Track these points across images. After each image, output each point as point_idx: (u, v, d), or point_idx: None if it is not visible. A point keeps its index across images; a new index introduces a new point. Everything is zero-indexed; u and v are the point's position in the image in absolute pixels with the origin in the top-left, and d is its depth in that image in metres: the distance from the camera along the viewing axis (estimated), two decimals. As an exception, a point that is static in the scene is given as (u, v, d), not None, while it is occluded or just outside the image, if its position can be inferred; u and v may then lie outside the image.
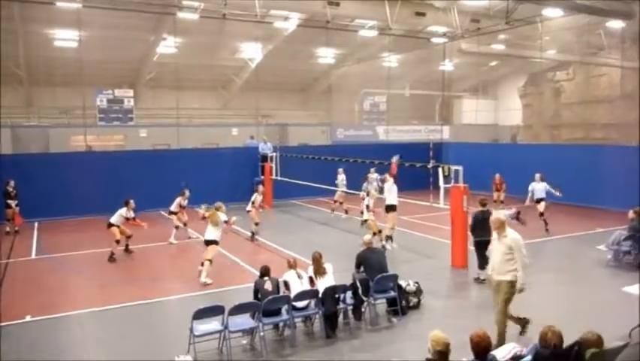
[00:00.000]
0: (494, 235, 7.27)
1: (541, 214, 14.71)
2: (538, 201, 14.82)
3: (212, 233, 10.59)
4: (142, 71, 27.16)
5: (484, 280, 10.38)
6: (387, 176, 13.58)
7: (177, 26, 20.92)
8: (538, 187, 14.77)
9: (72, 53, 21.87)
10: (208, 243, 10.58)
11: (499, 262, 7.08)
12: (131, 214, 12.60)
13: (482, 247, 10.33)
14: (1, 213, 15.52)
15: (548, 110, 30.98)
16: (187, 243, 14.20)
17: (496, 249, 7.24)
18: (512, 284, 6.95)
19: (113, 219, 12.52)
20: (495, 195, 17.64)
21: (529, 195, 14.87)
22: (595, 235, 13.95)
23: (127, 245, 13.05)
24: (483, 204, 10.74)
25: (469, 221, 10.91)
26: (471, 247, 11.42)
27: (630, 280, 9.37)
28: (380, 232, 13.14)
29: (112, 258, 12.29)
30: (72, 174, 17.68)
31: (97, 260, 12.36)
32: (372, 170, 16.76)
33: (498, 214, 7.40)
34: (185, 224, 14.48)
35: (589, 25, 23.78)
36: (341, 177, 17.78)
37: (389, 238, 13.17)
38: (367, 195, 13.67)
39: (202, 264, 10.49)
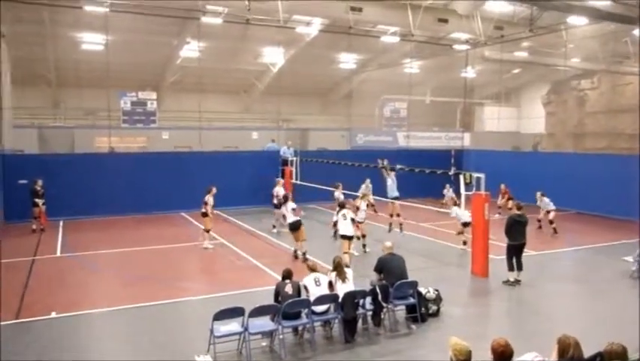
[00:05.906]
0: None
1: (551, 222, 15.78)
2: (548, 211, 15.92)
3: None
4: (165, 74, 27.59)
5: (513, 282, 10.37)
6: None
7: (201, 31, 21.21)
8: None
9: (98, 56, 22.33)
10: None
11: None
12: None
13: (515, 250, 10.39)
14: (29, 211, 15.84)
15: (572, 119, 30.59)
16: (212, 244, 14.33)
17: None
18: None
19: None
20: (500, 202, 18.18)
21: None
22: (620, 246, 13.72)
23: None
24: (519, 208, 10.81)
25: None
26: (492, 256, 11.35)
27: (655, 293, 9.22)
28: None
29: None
30: (96, 174, 18.03)
31: (120, 259, 12.56)
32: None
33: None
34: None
35: (615, 33, 23.45)
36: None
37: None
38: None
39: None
